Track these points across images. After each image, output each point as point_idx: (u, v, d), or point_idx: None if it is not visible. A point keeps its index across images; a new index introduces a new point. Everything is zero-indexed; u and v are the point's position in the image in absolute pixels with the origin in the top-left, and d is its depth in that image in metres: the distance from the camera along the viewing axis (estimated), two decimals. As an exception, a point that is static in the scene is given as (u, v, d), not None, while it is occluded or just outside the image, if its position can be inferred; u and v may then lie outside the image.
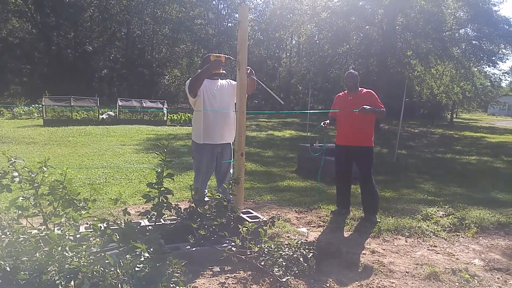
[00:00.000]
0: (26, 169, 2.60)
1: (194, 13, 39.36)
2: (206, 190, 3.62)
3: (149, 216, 2.98)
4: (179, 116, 20.25)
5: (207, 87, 3.59)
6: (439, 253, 3.46)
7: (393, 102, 15.49)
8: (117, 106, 18.85)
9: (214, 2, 41.14)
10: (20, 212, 2.44)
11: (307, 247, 3.01)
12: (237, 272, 2.68)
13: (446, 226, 4.18)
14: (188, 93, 3.60)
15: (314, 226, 4.06)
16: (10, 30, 33.71)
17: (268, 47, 42.28)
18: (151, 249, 2.30)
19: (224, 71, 3.75)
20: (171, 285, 2.07)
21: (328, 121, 4.38)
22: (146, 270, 2.11)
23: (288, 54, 44.50)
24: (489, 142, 16.65)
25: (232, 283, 2.52)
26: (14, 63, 32.85)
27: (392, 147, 10.42)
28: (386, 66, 19.10)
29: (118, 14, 36.78)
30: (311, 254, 2.89)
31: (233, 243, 2.83)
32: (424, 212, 4.61)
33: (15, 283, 1.98)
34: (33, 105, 20.32)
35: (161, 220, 3.11)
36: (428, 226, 4.14)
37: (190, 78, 3.63)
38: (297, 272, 2.68)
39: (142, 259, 2.17)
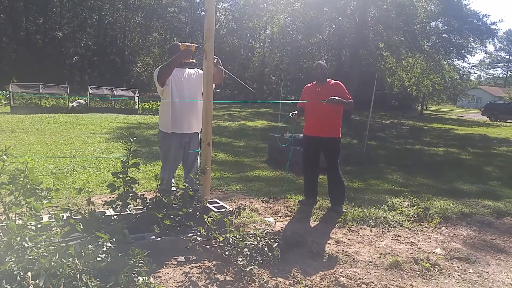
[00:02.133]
0: (-16, 157, 2.51)
1: (167, 1, 38.59)
2: (173, 180, 3.62)
3: (114, 206, 2.96)
4: (150, 105, 19.92)
5: (175, 76, 3.56)
6: (402, 242, 3.58)
7: (364, 93, 15.83)
8: (88, 94, 18.33)
9: (187, -10, 40.52)
10: (-23, 203, 2.37)
11: (272, 237, 3.08)
12: (202, 261, 2.72)
13: (411, 216, 4.32)
14: (156, 82, 3.57)
15: (281, 216, 4.14)
16: (-26, 14, 31.94)
17: (242, 37, 42.07)
18: (114, 239, 2.30)
19: (194, 61, 3.72)
20: (133, 275, 2.08)
21: (296, 112, 4.45)
22: (108, 260, 2.11)
23: (261, 44, 44.43)
24: (457, 134, 17.34)
25: (197, 273, 2.56)
26: (-19, 49, 31.25)
27: (362, 138, 10.68)
28: (358, 58, 19.43)
29: (89, 0, 35.48)
30: (276, 243, 2.95)
31: (198, 233, 2.86)
32: (390, 202, 4.75)
33: (-29, 275, 1.94)
34: (0, 92, 19.45)
35: (127, 210, 3.10)
36: (393, 216, 4.27)
37: (160, 67, 3.59)
38: (261, 261, 2.75)
39: (104, 249, 2.17)
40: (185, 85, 3.59)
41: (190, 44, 3.57)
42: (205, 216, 2.93)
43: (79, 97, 19.23)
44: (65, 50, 34.95)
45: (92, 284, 1.85)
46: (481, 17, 19.85)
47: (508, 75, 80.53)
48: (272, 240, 2.95)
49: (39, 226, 2.48)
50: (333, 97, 4.06)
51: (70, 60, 35.36)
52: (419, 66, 21.82)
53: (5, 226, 2.30)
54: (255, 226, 3.60)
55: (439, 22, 20.61)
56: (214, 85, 3.56)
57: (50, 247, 2.04)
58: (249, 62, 41.08)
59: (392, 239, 3.65)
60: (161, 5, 38.17)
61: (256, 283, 2.41)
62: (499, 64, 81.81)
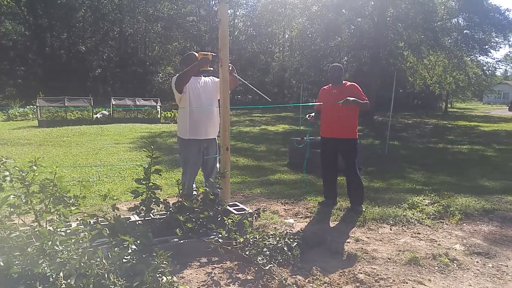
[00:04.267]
0: (17, 168, 2.69)
1: (186, 10, 39.36)
2: (194, 185, 3.72)
3: (138, 211, 3.09)
4: (172, 114, 20.30)
5: (191, 84, 3.68)
6: (422, 239, 3.58)
7: (386, 93, 15.63)
8: (111, 105, 18.88)
9: (205, -1, 41.18)
10: (11, 209, 2.54)
11: (292, 237, 3.13)
12: (224, 262, 2.80)
13: (431, 214, 4.30)
14: (174, 89, 3.70)
15: (301, 217, 4.18)
16: (3, 32, 33.54)
17: (261, 42, 42.30)
18: (138, 242, 2.42)
19: (211, 68, 3.84)
20: (157, 275, 2.18)
21: (313, 114, 4.49)
22: (133, 261, 2.22)
23: (281, 49, 44.54)
24: (483, 131, 16.84)
25: (219, 273, 2.63)
26: (8, 65, 32.74)
27: (384, 139, 10.56)
28: (378, 58, 19.23)
29: (110, 13, 36.62)
30: (295, 243, 3.00)
31: (219, 235, 2.94)
32: (410, 201, 4.73)
33: (9, 277, 2.09)
34: (28, 106, 20.31)
35: (150, 215, 3.22)
36: (413, 214, 4.26)
37: (177, 75, 3.72)
38: (281, 261, 2.80)
39: (130, 251, 2.29)
40: (202, 93, 3.70)
41: (207, 53, 3.70)
42: (225, 218, 3.01)
43: (103, 108, 19.83)
44: (88, 63, 36.12)
45: (119, 283, 1.95)
46: (502, 11, 19.30)
47: (536, 68, 77.56)
48: (291, 240, 3.00)
49: (68, 231, 2.62)
50: (348, 98, 4.09)
51: (93, 73, 36.48)
52: (441, 63, 21.37)
53: (37, 232, 2.46)
54: (275, 227, 3.66)
55: (460, 18, 20.14)
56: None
57: (79, 250, 2.16)
58: (269, 67, 41.25)
59: (411, 237, 3.64)
60: (180, 15, 38.94)
61: (276, 281, 2.46)
62: (527, 58, 79.04)
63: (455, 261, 3.05)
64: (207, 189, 3.39)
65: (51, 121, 16.58)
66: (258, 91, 4.14)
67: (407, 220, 4.06)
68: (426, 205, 4.64)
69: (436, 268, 2.94)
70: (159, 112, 19.73)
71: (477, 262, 3.08)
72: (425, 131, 17.04)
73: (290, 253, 2.86)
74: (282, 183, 6.02)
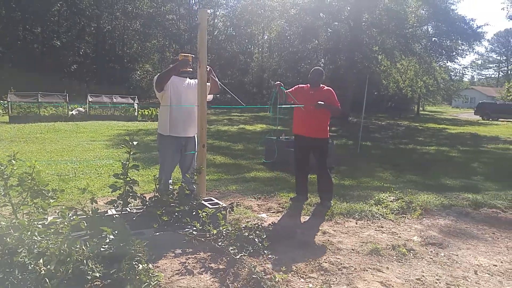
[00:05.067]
0: (-6, 162, 2.75)
1: (166, 8, 39.08)
2: (171, 181, 3.85)
3: (115, 205, 3.20)
4: (150, 111, 20.19)
5: (175, 83, 3.83)
6: (384, 232, 3.85)
7: (361, 95, 16.13)
8: (87, 102, 18.60)
9: (185, -3, 41.00)
10: (-11, 202, 2.61)
11: (262, 229, 3.32)
12: (198, 253, 2.95)
13: (395, 209, 4.58)
14: (154, 87, 3.84)
15: (273, 212, 4.37)
16: (-28, 24, 32.32)
17: (240, 42, 42.49)
18: (116, 232, 2.54)
19: (191, 69, 3.98)
20: (134, 263, 2.31)
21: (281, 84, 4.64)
22: (111, 250, 2.35)
23: (260, 50, 44.85)
24: (449, 133, 17.64)
25: (192, 263, 2.78)
26: (-22, 59, 31.60)
27: (357, 139, 10.94)
28: (353, 61, 19.77)
29: (87, 8, 35.90)
30: (265, 235, 3.19)
31: (194, 228, 3.09)
32: (376, 197, 4.99)
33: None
34: (-2, 102, 19.71)
35: (127, 209, 3.34)
36: (378, 209, 4.52)
37: (158, 74, 3.87)
38: (252, 251, 2.98)
39: (108, 240, 2.41)
40: (183, 93, 3.85)
41: (187, 54, 3.86)
42: (200, 211, 3.17)
43: (79, 105, 19.48)
44: (64, 58, 35.26)
45: (97, 269, 2.08)
46: (467, 21, 20.37)
47: (500, 75, 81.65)
48: (262, 232, 3.19)
49: (46, 223, 2.72)
50: (320, 102, 4.34)
51: (69, 69, 35.66)
52: (413, 68, 22.20)
53: (15, 223, 2.54)
54: (248, 221, 3.83)
55: (429, 26, 21.05)
56: (211, 95, 3.96)
57: (58, 240, 2.27)
58: (248, 67, 41.46)
59: (375, 230, 3.90)
60: (160, 13, 38.63)
61: (246, 269, 2.63)
62: (491, 65, 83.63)
63: (411, 251, 3.32)
64: (183, 184, 3.53)
65: (23, 117, 16.17)
66: (233, 94, 4.30)
67: (372, 215, 4.32)
68: (391, 201, 4.92)
69: (395, 257, 3.20)
70: (136, 110, 19.58)
71: (431, 251, 3.37)
72: (397, 133, 17.67)
73: (260, 244, 3.04)
74: (257, 180, 6.20)
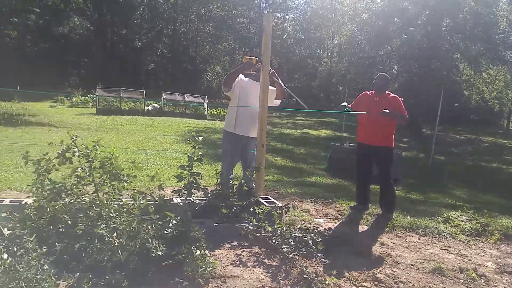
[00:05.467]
0: (83, 146, 3.13)
1: (237, 12, 40.29)
2: (232, 176, 4.02)
3: (180, 194, 3.44)
4: (218, 111, 20.96)
5: (245, 84, 4.04)
6: (451, 253, 3.56)
7: (437, 106, 15.14)
8: (162, 99, 19.88)
9: (256, 1, 41.73)
10: (78, 180, 2.97)
11: (318, 233, 3.33)
12: (252, 247, 3.05)
13: (467, 230, 4.23)
14: (222, 87, 4.09)
15: (331, 218, 4.34)
16: (71, 27, 36.35)
17: (309, 46, 42.17)
18: (179, 218, 2.74)
19: (254, 72, 4.13)
20: (193, 248, 2.48)
21: (349, 105, 4.66)
22: (173, 233, 2.55)
23: (329, 54, 44.13)
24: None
25: (247, 256, 2.89)
26: (74, 57, 35.43)
27: (429, 152, 10.32)
28: (430, 69, 18.62)
29: (166, 12, 38.43)
30: (320, 239, 3.20)
31: (250, 223, 3.21)
32: (445, 215, 4.67)
33: (74, 234, 2.50)
34: (88, 95, 21.88)
35: (191, 199, 3.56)
36: (446, 228, 4.23)
37: (226, 75, 4.13)
38: (305, 252, 3.00)
39: (170, 224, 2.62)
40: (252, 95, 4.01)
41: (252, 57, 4.03)
42: (256, 208, 3.28)
43: (154, 101, 20.90)
44: (143, 58, 38.08)
45: (160, 248, 2.28)
46: None
47: None
48: (317, 236, 3.20)
49: (120, 203, 3.02)
50: (385, 110, 4.21)
51: (147, 67, 38.39)
52: (502, 78, 20.25)
53: (96, 200, 2.86)
54: (304, 224, 3.86)
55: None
56: (279, 101, 4.11)
57: (129, 218, 2.52)
58: (316, 72, 41.06)
59: (440, 249, 3.66)
60: (231, 16, 39.97)
61: (297, 268, 2.68)
62: None
63: (483, 277, 3.03)
64: (243, 181, 3.68)
65: (107, 110, 17.82)
66: (296, 98, 4.36)
67: (438, 233, 4.07)
68: (462, 221, 4.59)
69: (462, 281, 2.94)
70: (206, 109, 20.47)
71: (506, 280, 3.05)
72: (478, 149, 16.28)
73: (314, 247, 3.06)
74: (317, 185, 6.18)
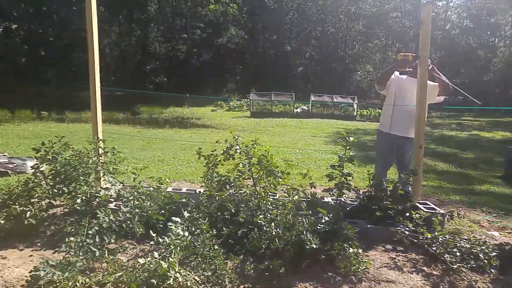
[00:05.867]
0: (244, 144, 3.49)
1: (390, 6, 37.95)
2: (386, 178, 3.83)
3: (331, 193, 3.47)
4: (369, 112, 20.21)
5: (400, 81, 3.83)
6: None
7: None
8: (310, 101, 20.34)
9: (412, -8, 38.47)
10: (239, 174, 3.33)
11: (491, 247, 2.88)
12: (408, 253, 2.85)
13: None
14: (375, 85, 3.97)
15: (509, 233, 3.69)
16: (228, 37, 40.77)
17: (480, 35, 36.47)
18: (331, 215, 2.78)
19: (410, 69, 3.85)
20: (346, 246, 2.48)
21: None
22: (326, 229, 2.60)
23: (506, 42, 37.30)
24: None
25: (402, 260, 2.72)
26: (230, 65, 39.75)
27: None
28: None
29: (314, 14, 39.19)
30: (495, 253, 2.76)
31: (406, 227, 3.00)
32: None
33: (237, 221, 2.81)
34: (243, 100, 24.11)
35: (342, 199, 3.55)
36: None
37: (380, 73, 4.00)
38: (474, 266, 2.64)
39: (323, 220, 2.68)
40: (409, 92, 3.77)
41: (407, 53, 3.77)
42: (413, 212, 3.05)
43: (302, 103, 21.56)
44: (292, 61, 39.71)
45: (314, 242, 2.36)
46: None
47: None
48: (489, 250, 2.78)
49: (275, 197, 3.24)
50: None
51: (296, 71, 39.89)
52: None
53: (255, 193, 3.15)
54: (472, 235, 3.39)
55: None
56: (442, 97, 3.75)
57: (284, 211, 2.69)
58: (489, 64, 35.29)
59: None
60: (383, 12, 37.97)
61: (465, 282, 2.38)
62: None
63: None
64: (398, 184, 3.47)
65: (260, 113, 19.25)
66: (464, 93, 3.87)
67: None
68: None
69: None
70: (355, 110, 20.01)
71: None
72: None
73: (486, 261, 2.67)
74: (491, 194, 5.35)
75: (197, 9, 39.92)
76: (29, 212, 3.05)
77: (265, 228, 2.56)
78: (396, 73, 3.86)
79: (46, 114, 16.41)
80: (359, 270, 2.31)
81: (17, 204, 3.31)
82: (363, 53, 40.68)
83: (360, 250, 2.47)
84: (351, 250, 2.39)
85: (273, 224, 2.51)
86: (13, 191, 3.50)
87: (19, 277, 2.36)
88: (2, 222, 3.01)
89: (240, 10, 39.26)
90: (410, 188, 3.63)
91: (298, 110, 19.98)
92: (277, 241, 2.39)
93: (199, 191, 3.56)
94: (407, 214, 3.25)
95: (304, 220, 2.49)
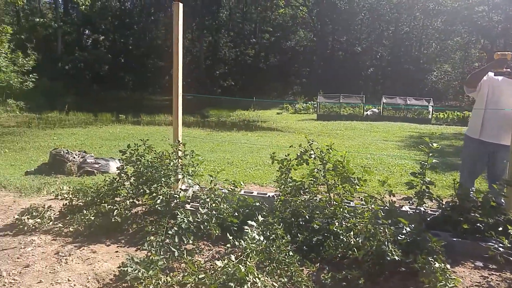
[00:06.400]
0: (318, 149, 3.44)
1: (475, 0, 34.84)
2: (473, 188, 3.53)
3: (410, 202, 3.27)
4: (445, 115, 18.84)
5: (494, 82, 3.53)
6: None
7: None
8: (381, 103, 19.50)
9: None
10: (314, 180, 3.29)
11: None
12: (503, 272, 2.58)
13: None
14: (464, 87, 3.73)
15: None
16: (297, 40, 40.81)
17: None
18: (412, 226, 2.62)
19: (508, 70, 3.50)
20: (430, 260, 2.31)
21: None
22: (407, 240, 2.46)
23: None
24: None
25: (497, 280, 2.47)
26: (297, 67, 39.71)
27: None
28: None
29: (387, 13, 37.49)
30: None
31: (500, 243, 2.72)
32: None
33: (311, 228, 2.78)
34: (309, 102, 23.89)
35: (422, 208, 3.33)
36: None
37: (470, 74, 3.72)
38: None
39: (404, 231, 2.53)
40: (504, 95, 3.45)
41: (505, 52, 3.42)
42: (509, 226, 2.75)
43: (373, 106, 20.74)
44: (362, 63, 38.41)
45: (396, 254, 2.24)
46: None
47: None
48: None
49: (351, 204, 3.15)
50: None
51: (366, 72, 38.51)
52: None
53: (330, 200, 3.09)
54: None
55: None
56: None
57: (363, 220, 2.59)
58: None
59: None
60: (467, 6, 34.98)
61: None
62: None
63: None
64: (490, 195, 3.16)
65: (327, 115, 18.93)
66: None
67: None
68: None
69: None
70: (430, 113, 18.77)
71: None
72: None
73: None
74: None
75: (267, 14, 40.63)
76: (116, 211, 3.31)
77: (341, 237, 2.50)
78: (490, 73, 3.54)
79: (123, 117, 17.91)
80: (447, 287, 2.14)
81: (103, 202, 3.64)
82: (440, 52, 37.98)
83: (448, 266, 2.28)
84: (436, 264, 2.22)
85: (352, 233, 2.43)
86: (100, 190, 3.85)
87: (108, 271, 2.57)
88: (92, 218, 3.31)
89: (310, 12, 39.11)
90: (503, 200, 3.29)
91: (368, 112, 19.28)
92: (355, 250, 2.31)
93: (272, 195, 3.59)
94: (501, 228, 2.95)
95: (386, 230, 2.37)
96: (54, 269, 2.55)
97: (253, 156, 7.72)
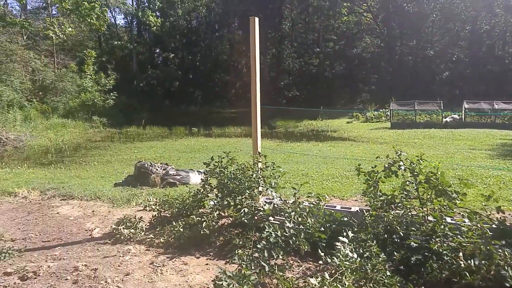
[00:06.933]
0: (408, 160, 3.21)
1: None
2: None
3: (523, 219, 2.90)
4: (542, 119, 16.79)
5: None
6: None
7: None
8: (463, 109, 18.01)
9: None
10: (406, 193, 3.06)
11: None
12: None
13: None
14: None
15: None
16: (363, 47, 39.63)
17: None
18: (534, 249, 2.29)
19: None
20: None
21: None
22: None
23: None
24: None
25: None
26: (364, 74, 38.44)
27: None
28: None
29: (463, 12, 34.82)
30: None
31: None
32: None
33: (408, 246, 2.57)
34: (381, 110, 22.87)
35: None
36: None
37: None
38: None
39: (526, 255, 2.22)
40: None
41: None
42: None
43: (452, 112, 19.24)
44: (435, 66, 35.93)
45: (520, 281, 1.96)
46: None
47: None
48: None
49: (452, 221, 2.86)
50: None
51: (441, 76, 35.93)
52: None
53: (429, 216, 2.84)
54: None
55: None
56: None
57: (474, 239, 2.33)
58: None
59: None
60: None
61: None
62: None
63: None
64: None
65: (401, 124, 17.92)
66: None
67: None
68: None
69: None
70: (524, 117, 16.88)
71: None
72: None
73: None
74: None
75: (330, 22, 40.17)
76: (204, 223, 3.39)
77: (446, 257, 2.26)
78: None
79: (196, 130, 18.76)
80: None
81: (190, 214, 3.75)
82: (528, 50, 34.28)
83: None
84: None
85: (460, 254, 2.19)
86: (186, 202, 3.99)
87: (201, 284, 2.61)
88: (181, 230, 3.42)
89: (375, 18, 37.91)
90: None
91: (448, 119, 17.87)
92: (467, 274, 2.07)
93: (360, 209, 3.42)
94: None
95: (505, 253, 2.10)
96: (151, 279, 2.66)
97: (328, 168, 7.49)
